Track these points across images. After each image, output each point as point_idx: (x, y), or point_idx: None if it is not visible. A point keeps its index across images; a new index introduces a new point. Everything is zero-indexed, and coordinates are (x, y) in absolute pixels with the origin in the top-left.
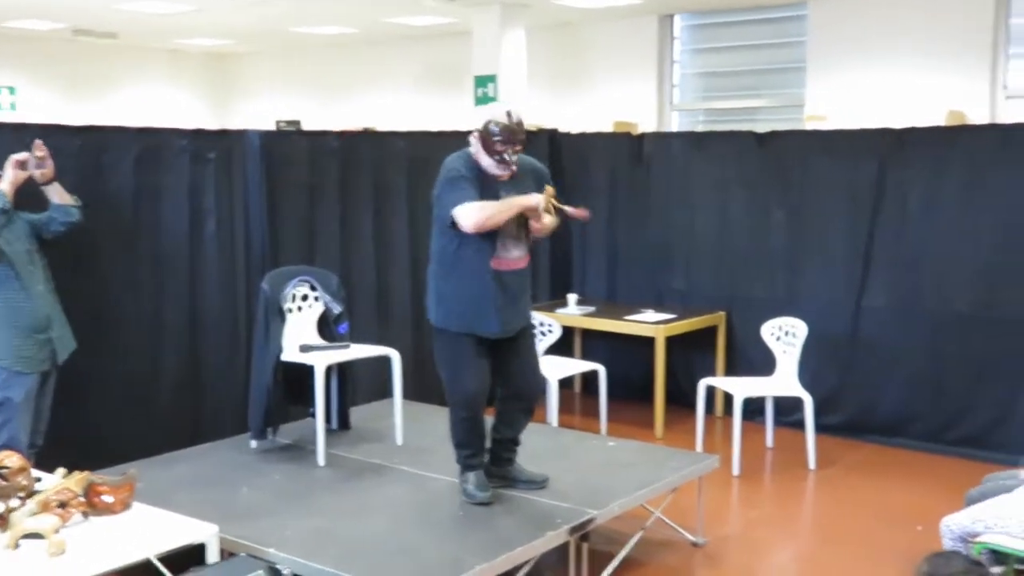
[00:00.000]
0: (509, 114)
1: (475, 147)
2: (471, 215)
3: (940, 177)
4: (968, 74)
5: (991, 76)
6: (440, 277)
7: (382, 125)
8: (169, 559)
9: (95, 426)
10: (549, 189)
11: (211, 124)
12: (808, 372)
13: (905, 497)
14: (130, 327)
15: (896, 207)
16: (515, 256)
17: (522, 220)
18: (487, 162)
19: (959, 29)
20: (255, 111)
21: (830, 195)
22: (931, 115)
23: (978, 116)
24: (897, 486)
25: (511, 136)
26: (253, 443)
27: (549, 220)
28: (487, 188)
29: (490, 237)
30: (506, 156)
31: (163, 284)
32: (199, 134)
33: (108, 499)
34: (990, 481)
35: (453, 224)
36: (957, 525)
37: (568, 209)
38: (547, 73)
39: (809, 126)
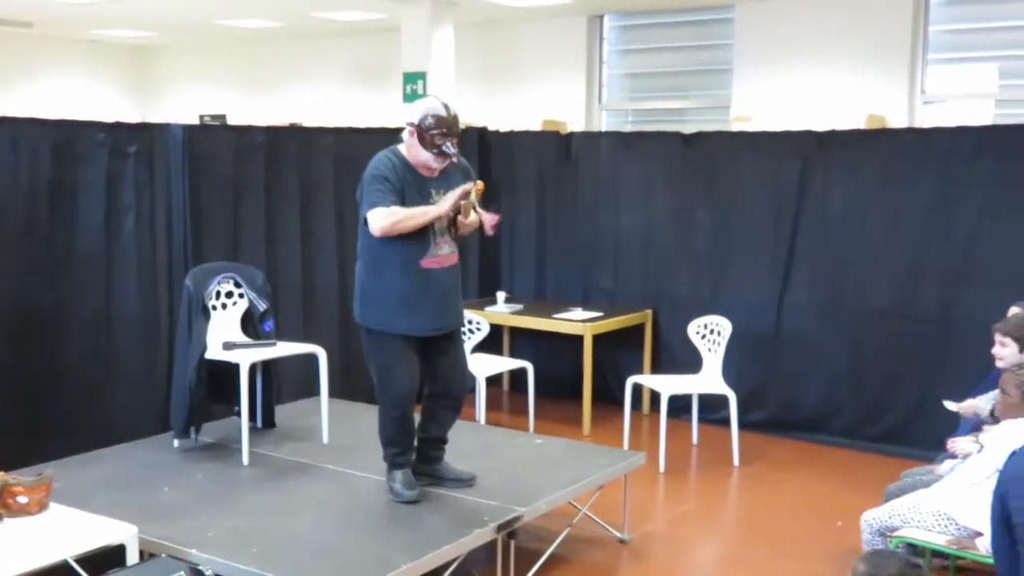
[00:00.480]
0: (447, 107)
1: (408, 142)
2: (378, 221)
3: (860, 178)
4: (888, 79)
5: (909, 81)
6: (368, 276)
7: (309, 121)
8: (87, 561)
9: (8, 425)
10: (480, 184)
11: (132, 118)
12: (733, 370)
13: (826, 493)
14: (44, 325)
15: (818, 207)
16: (445, 253)
17: (452, 216)
18: (425, 156)
19: (880, 35)
20: (178, 105)
21: (754, 195)
22: (852, 118)
23: (897, 120)
24: (818, 482)
25: (450, 128)
26: (176, 442)
27: (475, 217)
28: (417, 185)
29: (420, 234)
30: (445, 148)
31: (78, 282)
32: (118, 127)
33: (23, 500)
34: (908, 477)
35: None
36: (876, 520)
37: (485, 216)
38: (477, 71)
39: (735, 127)
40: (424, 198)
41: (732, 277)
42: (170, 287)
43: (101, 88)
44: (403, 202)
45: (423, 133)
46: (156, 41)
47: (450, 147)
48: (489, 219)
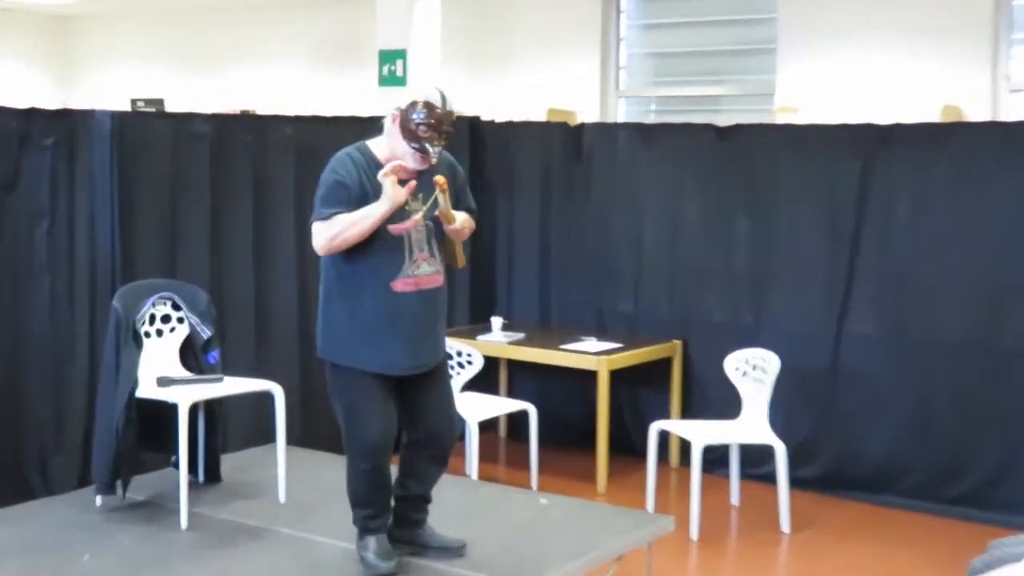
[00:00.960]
0: (444, 98)
1: (388, 130)
2: (317, 239)
3: (932, 182)
4: (965, 62)
5: (991, 65)
6: (330, 300)
7: (265, 107)
8: None
9: None
10: (440, 180)
11: (50, 102)
12: (780, 414)
13: (894, 568)
14: None
15: (882, 216)
16: (426, 273)
17: (436, 227)
18: (402, 150)
19: (956, 9)
20: (105, 87)
21: (805, 201)
22: (922, 109)
23: (977, 112)
24: (884, 553)
25: (440, 124)
26: (98, 499)
27: (461, 218)
28: (378, 186)
29: (391, 249)
30: (428, 146)
31: None
32: (33, 114)
33: None
34: (996, 549)
35: None
36: None
37: (454, 217)
38: (468, 49)
39: (779, 119)
40: (396, 207)
41: (778, 301)
42: (92, 309)
43: (12, 65)
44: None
45: (408, 121)
46: (79, 10)
47: (433, 146)
48: (450, 229)
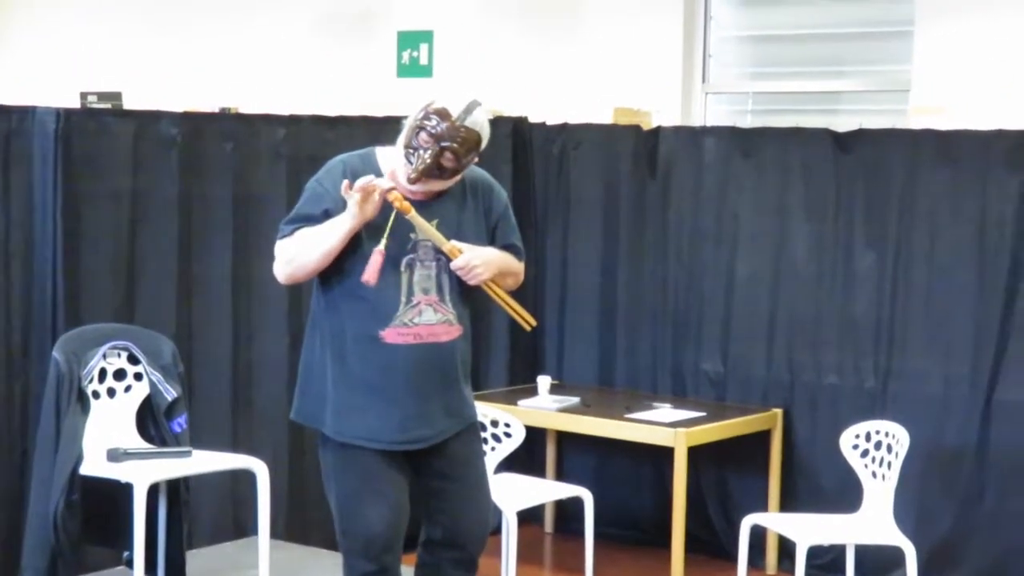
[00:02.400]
0: (467, 112)
1: (400, 140)
2: (276, 260)
3: None
4: None
5: None
6: (313, 348)
7: (250, 104)
8: None
9: None
10: (395, 196)
11: None
12: (912, 506)
13: None
14: None
15: None
16: (430, 323)
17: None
18: (397, 159)
19: None
20: (47, 76)
21: (948, 229)
22: None
23: None
24: None
25: (441, 137)
26: None
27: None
28: (387, 213)
29: (385, 288)
30: (414, 158)
31: None
32: None
33: None
34: None
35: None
36: None
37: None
38: (511, 32)
39: (918, 122)
40: (397, 235)
41: (911, 359)
42: (27, 361)
43: None
44: (354, 237)
45: (414, 122)
46: None
47: (427, 158)
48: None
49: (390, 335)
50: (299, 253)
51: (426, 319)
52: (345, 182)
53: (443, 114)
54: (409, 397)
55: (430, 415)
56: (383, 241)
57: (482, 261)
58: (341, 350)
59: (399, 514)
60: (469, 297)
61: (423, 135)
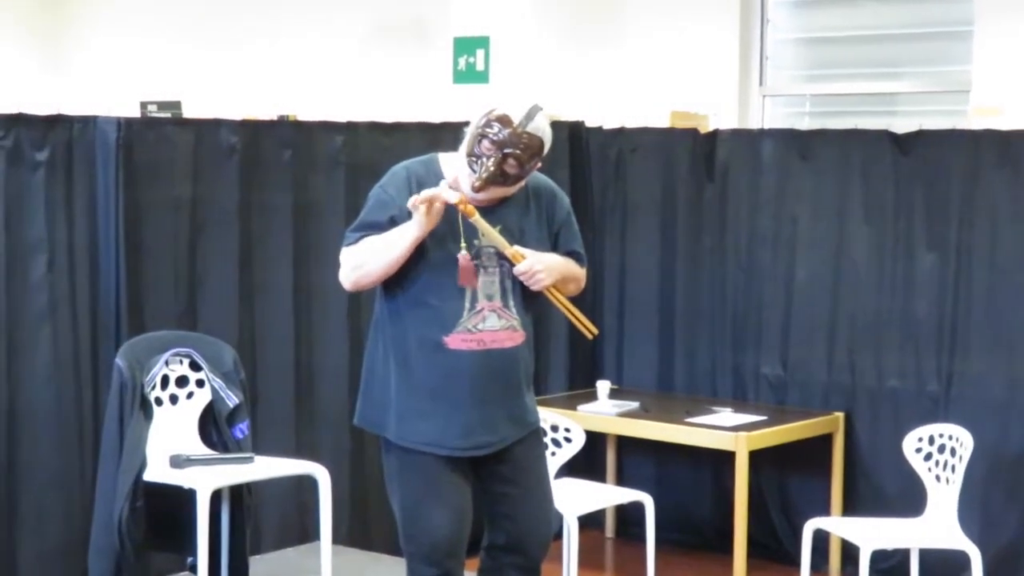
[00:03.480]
0: (529, 118)
1: (462, 147)
2: (342, 267)
3: None
4: None
5: None
6: (376, 353)
7: (308, 112)
8: None
9: None
10: (464, 204)
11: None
12: (976, 510)
13: None
14: None
15: None
16: (495, 327)
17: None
18: (461, 165)
19: None
20: (107, 86)
21: (1010, 230)
22: None
23: None
24: None
25: (504, 144)
26: None
27: (543, 259)
28: (451, 219)
29: (449, 295)
30: (477, 166)
31: None
32: (21, 121)
33: None
34: None
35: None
36: None
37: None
38: (568, 36)
39: (978, 123)
40: (457, 240)
41: (973, 362)
42: (94, 368)
43: None
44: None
45: (475, 130)
46: None
47: (491, 165)
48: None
49: (454, 341)
50: (365, 261)
51: (490, 325)
52: (413, 198)
53: (505, 121)
54: (472, 403)
55: (493, 421)
56: (463, 245)
57: (544, 267)
58: (405, 356)
59: (463, 519)
60: (532, 303)
61: (485, 143)
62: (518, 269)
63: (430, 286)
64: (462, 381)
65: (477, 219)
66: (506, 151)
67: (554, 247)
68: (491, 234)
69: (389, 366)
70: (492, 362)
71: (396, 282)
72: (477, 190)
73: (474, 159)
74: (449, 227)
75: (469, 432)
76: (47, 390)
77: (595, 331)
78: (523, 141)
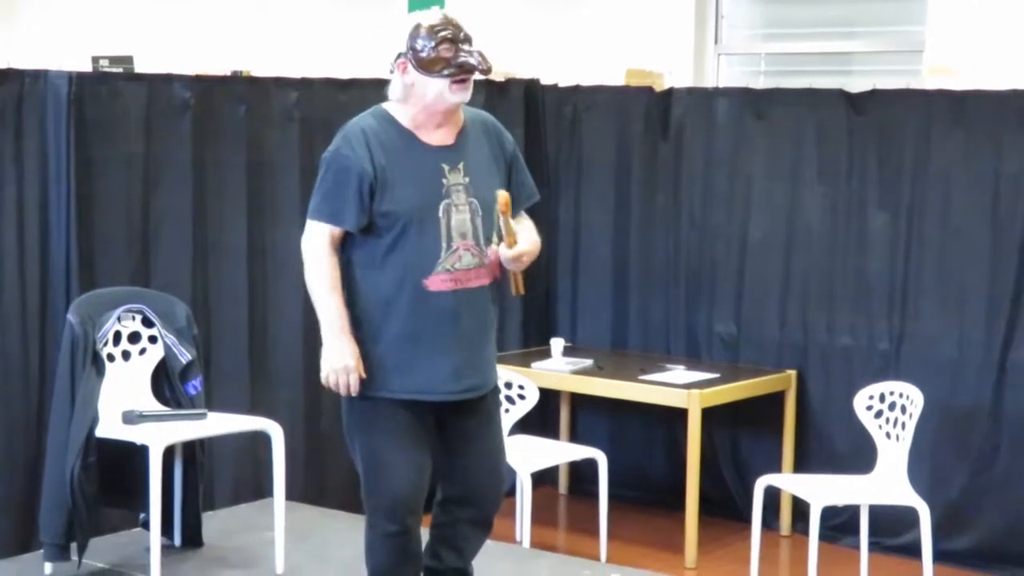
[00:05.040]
0: (444, 14)
1: (403, 88)
2: (305, 242)
3: None
4: None
5: None
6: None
7: (262, 67)
8: None
9: None
10: (503, 196)
11: None
12: (925, 468)
13: None
14: None
15: None
16: (468, 265)
17: (482, 208)
18: (435, 92)
19: None
20: (58, 41)
21: (961, 191)
22: None
23: None
24: None
25: (456, 33)
26: (48, 566)
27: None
28: (415, 162)
29: (423, 235)
30: (463, 59)
31: None
32: None
33: None
34: None
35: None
36: None
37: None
38: None
39: (931, 84)
40: (431, 182)
41: (924, 320)
42: (42, 324)
43: None
44: (383, 201)
45: (421, 55)
46: None
47: (472, 56)
48: (508, 256)
49: (433, 283)
50: (309, 280)
51: (465, 263)
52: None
53: (437, 23)
54: (458, 345)
55: (478, 363)
56: (495, 239)
57: (530, 256)
58: (384, 305)
59: (424, 475)
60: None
61: (443, 47)
62: (512, 253)
63: (407, 231)
64: (445, 323)
65: (507, 219)
66: (464, 35)
67: (508, 180)
68: (509, 225)
69: (364, 318)
70: (470, 302)
71: (365, 234)
72: (488, 71)
73: (450, 68)
74: (421, 170)
75: (458, 375)
76: None
77: (522, 292)
78: (457, 23)
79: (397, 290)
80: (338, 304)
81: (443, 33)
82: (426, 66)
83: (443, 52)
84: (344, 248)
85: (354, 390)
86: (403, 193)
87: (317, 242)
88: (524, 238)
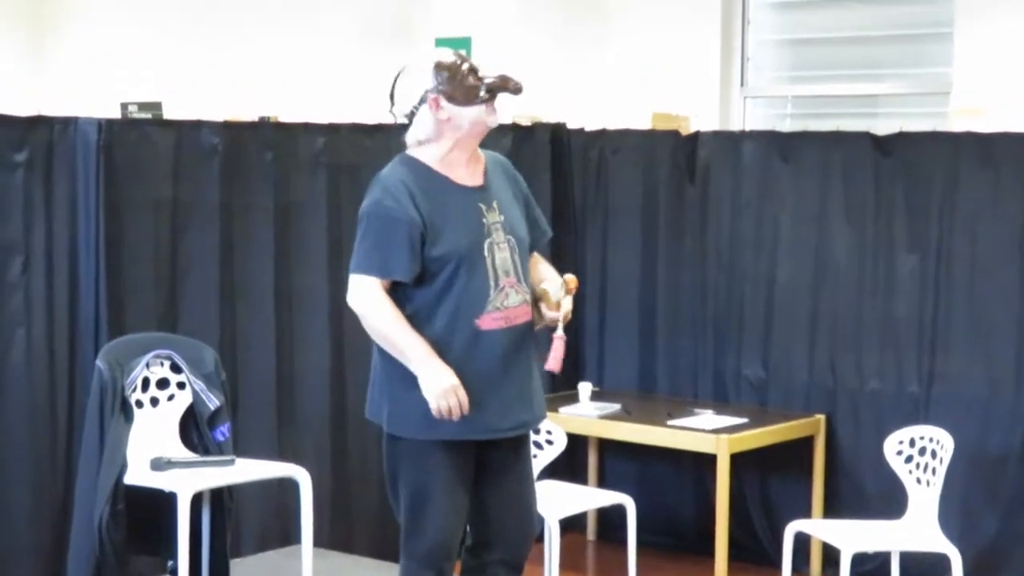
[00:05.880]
0: (450, 50)
1: (435, 125)
2: (355, 296)
3: None
4: None
5: None
6: (389, 356)
7: (289, 113)
8: None
9: None
10: (571, 281)
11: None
12: (956, 512)
13: None
14: None
15: None
16: (515, 304)
17: (519, 244)
18: (470, 121)
19: None
20: (88, 87)
21: (991, 231)
22: None
23: None
24: None
25: (469, 62)
26: None
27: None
28: (453, 205)
29: (472, 274)
30: (489, 81)
31: None
32: (1, 123)
33: None
34: None
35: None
36: None
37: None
38: (550, 38)
39: (959, 125)
40: (473, 222)
41: (954, 363)
42: (71, 370)
43: None
44: (433, 246)
45: (451, 86)
46: None
47: (493, 77)
48: (556, 345)
49: (486, 322)
50: (375, 327)
51: (511, 302)
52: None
53: (455, 60)
54: (508, 382)
55: (526, 398)
56: (560, 326)
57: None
58: (431, 344)
59: (463, 519)
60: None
61: (470, 77)
62: (555, 315)
63: (458, 273)
64: (496, 361)
65: (569, 299)
66: (475, 67)
67: (525, 219)
68: (566, 304)
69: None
70: (517, 338)
71: (415, 285)
72: (520, 89)
73: (482, 91)
74: (463, 211)
75: (508, 412)
76: (22, 392)
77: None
78: (464, 55)
79: (449, 333)
80: (413, 334)
81: (463, 65)
82: (461, 96)
83: (472, 80)
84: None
85: (465, 408)
86: (451, 236)
87: (368, 292)
88: (568, 300)
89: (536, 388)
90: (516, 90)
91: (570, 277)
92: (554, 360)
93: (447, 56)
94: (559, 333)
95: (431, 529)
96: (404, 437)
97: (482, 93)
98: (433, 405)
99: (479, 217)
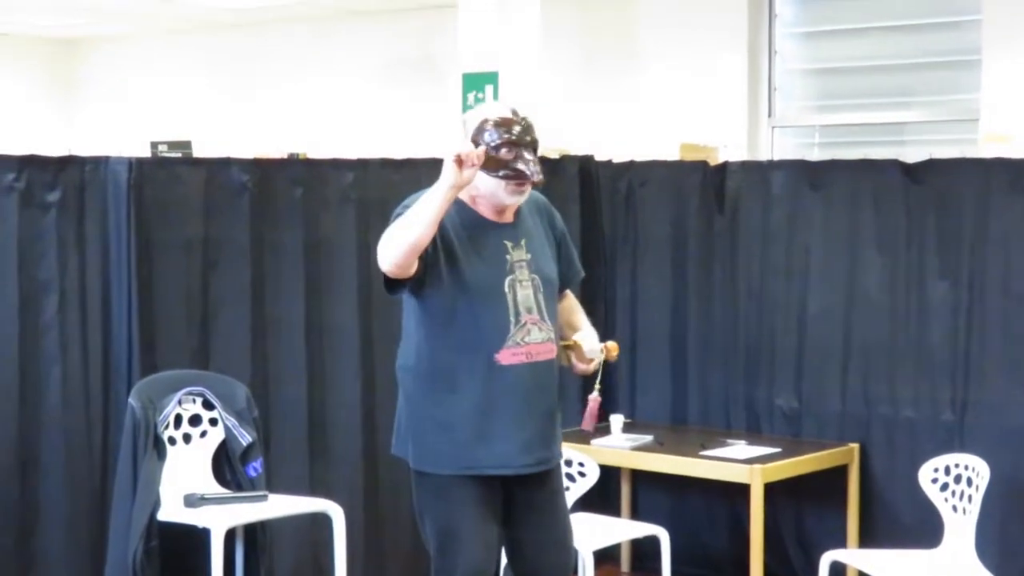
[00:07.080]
0: (513, 110)
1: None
2: (381, 245)
3: None
4: None
5: None
6: (414, 383)
7: (318, 150)
8: None
9: None
10: (612, 349)
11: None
12: (994, 540)
13: None
14: None
15: None
16: (537, 340)
17: (544, 284)
18: (489, 189)
19: None
20: (117, 123)
21: (1023, 257)
22: None
23: None
24: None
25: (522, 135)
26: None
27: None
28: (480, 236)
29: (495, 309)
30: (521, 166)
31: None
32: (33, 163)
33: None
34: None
35: (412, 290)
36: None
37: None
38: (577, 71)
39: (988, 151)
40: (496, 258)
41: (988, 390)
42: (105, 407)
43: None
44: (450, 272)
45: (485, 151)
46: (87, 31)
47: (527, 166)
48: (591, 406)
49: (505, 356)
50: (401, 233)
51: (533, 338)
52: (455, 151)
53: (504, 121)
54: (529, 418)
55: (547, 435)
56: (596, 387)
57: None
58: (451, 383)
59: (494, 553)
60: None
61: (504, 151)
62: (583, 368)
63: (473, 305)
64: (517, 396)
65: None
66: (529, 139)
67: (558, 259)
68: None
69: (432, 392)
70: (538, 375)
71: (434, 313)
72: (540, 184)
73: (507, 171)
74: (486, 245)
75: (530, 448)
76: (57, 431)
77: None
78: (530, 125)
79: (467, 364)
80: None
81: (507, 136)
82: (484, 164)
83: (503, 154)
84: (411, 310)
85: (477, 156)
86: (469, 267)
87: (380, 253)
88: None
89: (559, 430)
90: (535, 184)
91: (612, 344)
92: (588, 419)
93: (500, 115)
94: (594, 395)
95: (461, 563)
96: (429, 472)
97: (503, 171)
98: (449, 165)
99: (503, 254)
